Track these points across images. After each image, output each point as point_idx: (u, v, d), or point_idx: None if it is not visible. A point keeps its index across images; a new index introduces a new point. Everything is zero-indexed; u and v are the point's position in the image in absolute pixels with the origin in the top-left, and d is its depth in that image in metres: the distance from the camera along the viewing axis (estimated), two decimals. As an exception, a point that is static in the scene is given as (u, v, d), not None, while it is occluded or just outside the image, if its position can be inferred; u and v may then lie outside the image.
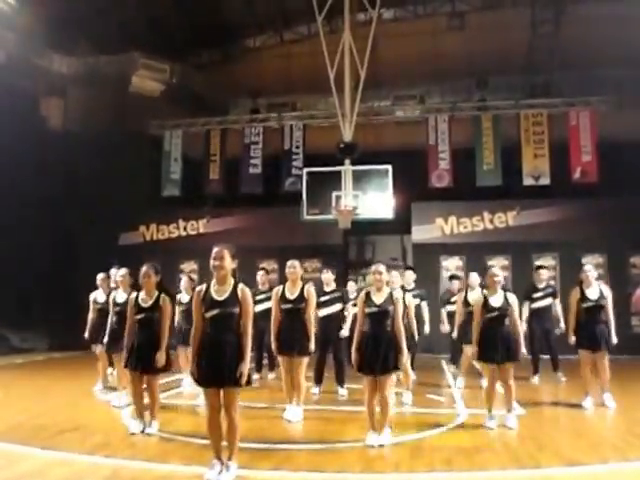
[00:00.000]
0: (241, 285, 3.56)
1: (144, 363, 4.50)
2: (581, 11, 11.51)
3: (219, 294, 3.51)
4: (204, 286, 3.59)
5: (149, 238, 12.42)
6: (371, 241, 13.15)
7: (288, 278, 5.16)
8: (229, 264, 3.53)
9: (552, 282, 7.86)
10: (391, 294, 4.37)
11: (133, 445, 4.27)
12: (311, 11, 10.09)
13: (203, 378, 3.46)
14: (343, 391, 6.28)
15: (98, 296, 6.57)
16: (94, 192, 11.37)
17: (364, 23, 10.58)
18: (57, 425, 4.86)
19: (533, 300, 7.48)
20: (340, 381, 6.33)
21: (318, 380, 6.46)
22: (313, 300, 5.21)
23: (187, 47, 13.30)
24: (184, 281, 7.34)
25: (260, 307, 6.78)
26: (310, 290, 5.18)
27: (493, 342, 4.83)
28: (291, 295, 5.11)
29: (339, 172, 10.03)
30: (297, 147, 12.03)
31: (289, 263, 5.18)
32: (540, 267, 7.91)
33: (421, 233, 11.36)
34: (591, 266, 6.13)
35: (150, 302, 4.61)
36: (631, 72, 11.07)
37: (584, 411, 5.57)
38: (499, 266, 6.40)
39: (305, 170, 10.75)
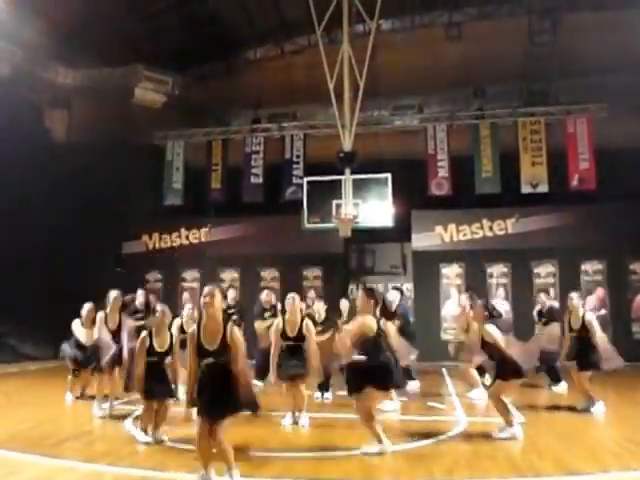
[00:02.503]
0: (229, 325, 3.55)
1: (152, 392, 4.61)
2: (577, 19, 11.65)
3: (210, 343, 3.50)
4: (195, 328, 3.56)
5: (152, 247, 12.51)
6: (371, 249, 13.20)
7: (287, 310, 5.30)
8: (219, 303, 3.57)
9: (555, 304, 7.80)
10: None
11: (134, 453, 4.32)
12: (311, 23, 10.24)
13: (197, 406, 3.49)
14: (328, 395, 6.73)
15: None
16: (97, 201, 11.46)
17: (363, 34, 10.74)
18: (60, 433, 4.90)
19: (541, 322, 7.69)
20: (326, 388, 6.75)
21: (319, 387, 6.74)
22: (313, 333, 5.34)
23: (189, 59, 13.44)
24: (187, 308, 6.84)
25: (265, 324, 7.33)
26: (309, 325, 5.32)
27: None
28: (291, 333, 5.25)
29: (339, 181, 10.13)
30: (298, 156, 12.13)
31: (289, 296, 5.37)
32: (540, 291, 8.21)
33: (421, 241, 11.42)
34: (576, 294, 6.10)
35: (166, 346, 4.68)
36: (627, 79, 11.15)
37: (584, 419, 5.56)
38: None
39: (306, 179, 10.85)
